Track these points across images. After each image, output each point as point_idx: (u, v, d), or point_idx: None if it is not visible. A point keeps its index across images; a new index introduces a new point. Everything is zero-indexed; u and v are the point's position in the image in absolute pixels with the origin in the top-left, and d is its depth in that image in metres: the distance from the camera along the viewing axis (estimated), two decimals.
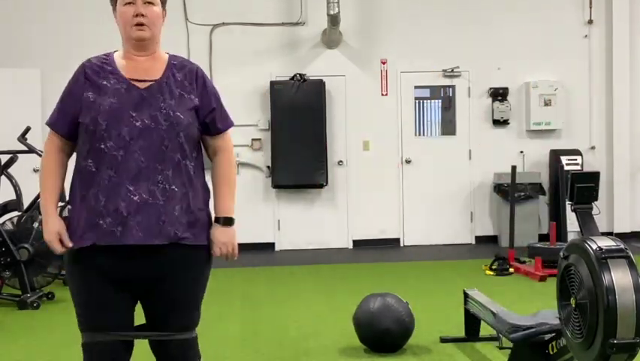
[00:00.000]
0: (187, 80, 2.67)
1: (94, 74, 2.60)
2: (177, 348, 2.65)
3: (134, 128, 2.52)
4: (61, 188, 2.65)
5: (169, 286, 2.58)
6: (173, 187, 2.55)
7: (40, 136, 8.67)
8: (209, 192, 2.70)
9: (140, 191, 2.50)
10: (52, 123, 2.66)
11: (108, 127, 2.51)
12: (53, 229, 2.55)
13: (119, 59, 2.67)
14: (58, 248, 2.55)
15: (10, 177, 6.72)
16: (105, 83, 2.58)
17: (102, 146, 2.51)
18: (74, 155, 2.66)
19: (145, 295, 2.62)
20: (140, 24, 2.59)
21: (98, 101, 2.54)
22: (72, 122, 2.60)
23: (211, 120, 2.67)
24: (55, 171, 2.64)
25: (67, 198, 2.65)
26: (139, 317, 2.69)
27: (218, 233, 2.65)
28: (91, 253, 2.53)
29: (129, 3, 2.59)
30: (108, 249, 2.51)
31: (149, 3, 2.60)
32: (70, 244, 2.53)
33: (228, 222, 2.67)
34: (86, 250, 2.53)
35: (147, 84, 2.59)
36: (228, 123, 2.74)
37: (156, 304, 2.62)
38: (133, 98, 2.55)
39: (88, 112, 2.53)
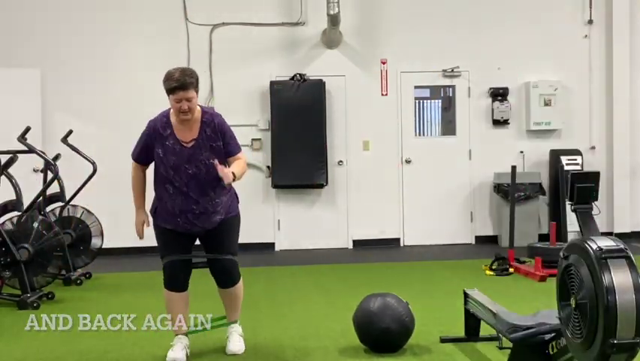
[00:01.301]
0: (213, 132, 4.39)
1: (160, 137, 4.35)
2: (227, 263, 4.53)
3: (188, 175, 4.35)
4: (144, 192, 4.50)
5: (217, 233, 4.49)
6: (217, 200, 4.42)
7: (40, 136, 8.69)
8: (232, 186, 4.47)
9: (199, 208, 4.38)
10: (136, 159, 4.47)
11: (174, 175, 4.35)
12: (140, 220, 4.51)
13: (174, 122, 4.37)
14: (141, 234, 4.52)
15: (10, 177, 6.71)
16: (167, 143, 4.35)
17: (171, 184, 4.37)
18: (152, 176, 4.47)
19: (203, 238, 4.53)
20: (184, 112, 4.29)
21: (165, 158, 4.35)
22: (148, 160, 4.46)
23: (228, 151, 4.45)
24: (141, 182, 4.50)
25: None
26: None
27: (228, 171, 4.28)
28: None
29: (177, 101, 4.26)
30: None
31: (189, 100, 4.27)
32: (142, 237, 4.53)
33: (234, 174, 4.31)
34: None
35: (191, 143, 4.36)
36: (238, 149, 4.50)
37: (210, 242, 4.52)
38: (184, 156, 4.34)
39: (161, 163, 4.36)
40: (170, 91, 4.24)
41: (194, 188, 4.34)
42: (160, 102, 9.52)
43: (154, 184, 4.45)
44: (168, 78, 4.24)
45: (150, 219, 4.50)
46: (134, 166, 4.48)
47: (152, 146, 4.36)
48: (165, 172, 4.34)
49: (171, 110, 4.36)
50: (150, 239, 4.61)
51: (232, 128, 4.51)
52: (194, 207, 4.35)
